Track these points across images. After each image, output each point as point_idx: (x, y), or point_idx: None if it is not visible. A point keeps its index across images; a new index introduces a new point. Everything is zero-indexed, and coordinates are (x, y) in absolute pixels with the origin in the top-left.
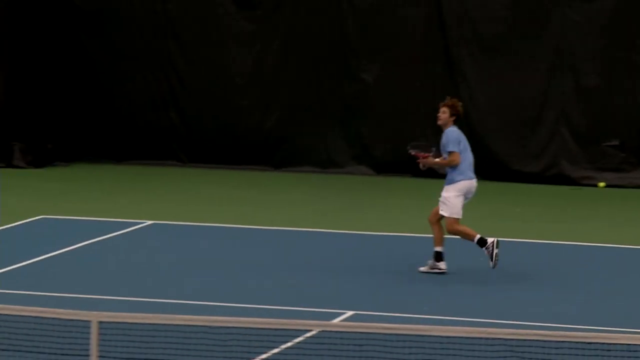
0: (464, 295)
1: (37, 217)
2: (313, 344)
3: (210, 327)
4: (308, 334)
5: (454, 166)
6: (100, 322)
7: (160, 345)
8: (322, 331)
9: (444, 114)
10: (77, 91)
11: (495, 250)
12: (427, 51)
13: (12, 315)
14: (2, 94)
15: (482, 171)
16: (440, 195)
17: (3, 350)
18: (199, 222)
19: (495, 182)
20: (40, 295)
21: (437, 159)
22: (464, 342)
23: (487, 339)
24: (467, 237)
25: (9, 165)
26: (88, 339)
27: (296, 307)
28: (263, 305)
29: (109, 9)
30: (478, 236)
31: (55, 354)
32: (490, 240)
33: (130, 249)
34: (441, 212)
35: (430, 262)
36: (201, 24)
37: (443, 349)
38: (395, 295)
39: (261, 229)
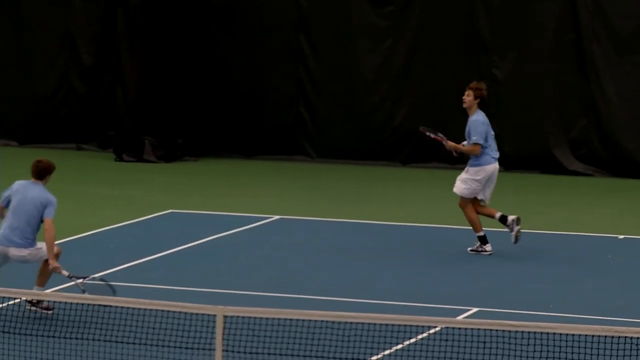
0: (590, 293)
1: (166, 211)
2: (437, 340)
3: (334, 322)
4: (432, 331)
5: (475, 155)
6: (226, 316)
7: (284, 340)
8: (446, 327)
9: (468, 96)
10: (207, 86)
11: (517, 227)
12: (559, 47)
13: (139, 309)
14: (135, 89)
15: (613, 168)
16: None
17: (129, 343)
18: (326, 218)
19: (626, 179)
20: (167, 288)
21: (460, 145)
22: (589, 340)
23: (612, 337)
24: (472, 224)
25: (140, 159)
26: (213, 332)
27: (421, 303)
28: (388, 301)
29: (242, 5)
30: (499, 214)
31: (180, 347)
32: (510, 218)
33: (256, 244)
34: (454, 190)
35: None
36: (333, 20)
37: (568, 347)
38: (521, 292)
39: (387, 224)
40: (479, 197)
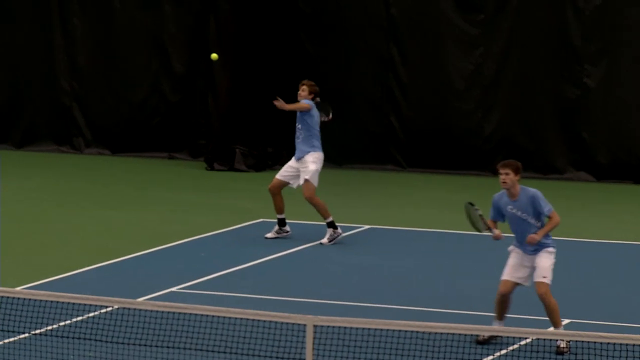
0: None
1: (256, 220)
2: (527, 352)
3: (424, 332)
4: (522, 342)
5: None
6: (316, 326)
7: (374, 350)
8: (537, 339)
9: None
10: (296, 95)
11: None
12: None
13: (229, 318)
14: (226, 97)
15: None
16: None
17: (220, 352)
18: (416, 227)
19: None
20: (257, 297)
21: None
22: None
23: None
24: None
25: (231, 168)
26: (303, 342)
27: (512, 314)
28: (478, 312)
29: (331, 12)
30: None
31: (270, 357)
32: None
33: (346, 253)
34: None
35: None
36: (423, 28)
37: None
38: (614, 304)
39: (476, 234)
40: None
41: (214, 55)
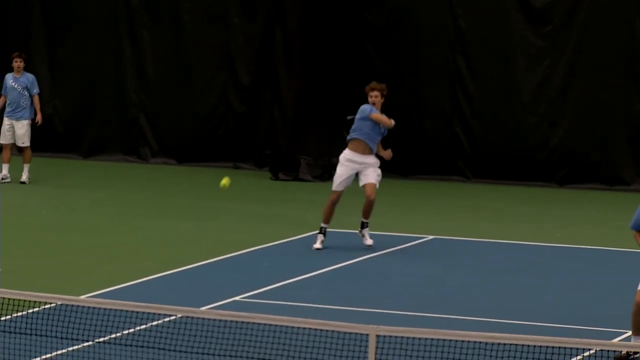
0: None
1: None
2: None
3: (487, 343)
4: (586, 353)
5: None
6: (378, 336)
7: None
8: (601, 350)
9: None
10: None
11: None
12: None
13: (292, 327)
14: (292, 108)
15: None
16: None
17: None
18: (481, 238)
19: None
20: (320, 307)
21: None
22: None
23: None
24: None
25: (296, 178)
26: (366, 352)
27: (575, 325)
28: (542, 322)
29: (399, 24)
30: None
31: None
32: None
33: (411, 263)
34: None
35: None
36: (491, 39)
37: None
38: None
39: (543, 245)
40: None
41: (225, 182)
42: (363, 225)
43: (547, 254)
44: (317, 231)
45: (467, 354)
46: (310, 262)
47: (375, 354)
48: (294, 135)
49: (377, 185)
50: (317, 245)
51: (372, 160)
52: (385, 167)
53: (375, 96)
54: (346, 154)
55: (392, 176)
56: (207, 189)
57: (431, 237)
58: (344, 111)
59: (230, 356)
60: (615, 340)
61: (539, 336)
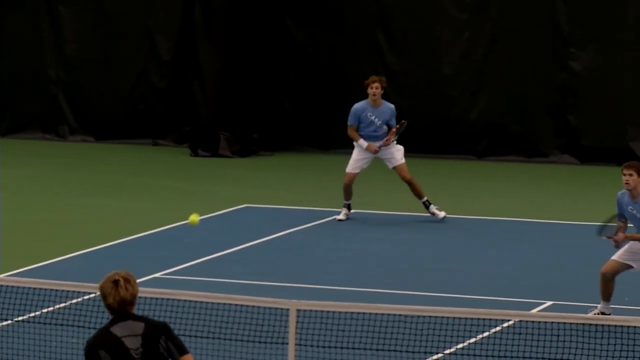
0: None
1: (240, 206)
2: (511, 334)
3: (407, 316)
4: (506, 324)
5: None
6: (299, 310)
7: (357, 334)
8: (520, 321)
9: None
10: (282, 80)
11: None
12: (639, 37)
13: (213, 303)
14: (212, 84)
15: None
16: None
17: (202, 337)
18: (402, 212)
19: None
20: (242, 283)
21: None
22: None
23: None
24: None
25: (215, 154)
26: (286, 327)
27: (494, 297)
28: (462, 295)
29: None
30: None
31: (253, 341)
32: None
33: (330, 238)
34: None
35: None
36: (411, 13)
37: None
38: (596, 286)
39: (462, 217)
40: None
41: (193, 219)
42: (426, 205)
43: (466, 226)
44: (237, 206)
45: (386, 327)
46: (231, 238)
47: (296, 328)
48: (213, 111)
49: (403, 161)
50: (340, 216)
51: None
52: (306, 142)
53: (375, 87)
54: (362, 142)
55: (313, 151)
56: (127, 166)
57: (352, 210)
58: (264, 87)
59: None
60: (534, 310)
61: (458, 308)
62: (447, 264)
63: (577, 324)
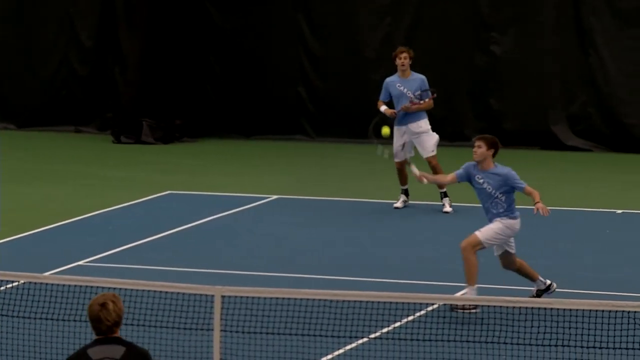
0: (588, 268)
1: (164, 193)
2: (435, 317)
3: (332, 300)
4: (430, 308)
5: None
6: (224, 297)
7: (282, 319)
8: (444, 304)
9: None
10: (205, 67)
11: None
12: (559, 22)
13: (137, 290)
14: (133, 70)
15: (612, 143)
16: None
17: (129, 325)
18: (326, 197)
19: (625, 154)
20: (167, 269)
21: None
22: (587, 315)
23: (610, 311)
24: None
25: (138, 141)
26: (211, 313)
27: (419, 280)
28: (386, 279)
29: None
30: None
31: (178, 328)
32: None
33: (256, 224)
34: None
35: None
36: None
37: (566, 322)
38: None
39: (387, 202)
40: None
41: (385, 131)
42: (441, 195)
43: (389, 210)
44: (160, 193)
45: (311, 312)
46: (155, 225)
47: (221, 314)
48: (136, 97)
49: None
50: (397, 204)
51: (419, 127)
52: (229, 128)
53: (404, 57)
54: (382, 107)
55: (235, 137)
56: (49, 154)
57: (276, 196)
58: (186, 73)
59: (75, 320)
60: (459, 294)
61: (382, 292)
62: (373, 248)
63: (500, 306)
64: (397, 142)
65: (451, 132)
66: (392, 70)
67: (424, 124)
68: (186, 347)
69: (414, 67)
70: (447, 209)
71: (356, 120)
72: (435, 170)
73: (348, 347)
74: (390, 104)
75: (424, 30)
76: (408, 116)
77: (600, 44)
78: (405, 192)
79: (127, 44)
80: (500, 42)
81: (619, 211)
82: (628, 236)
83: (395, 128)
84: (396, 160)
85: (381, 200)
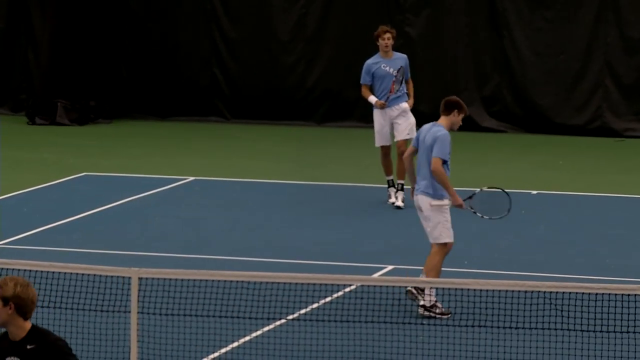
0: (503, 249)
1: (79, 174)
2: (353, 298)
3: (249, 282)
4: (347, 289)
5: None
6: (141, 278)
7: (200, 301)
8: (362, 286)
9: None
10: (119, 48)
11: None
12: (471, 3)
13: (53, 272)
14: (46, 52)
15: (526, 124)
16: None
17: (44, 307)
18: (241, 178)
19: (539, 135)
20: (82, 252)
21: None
22: (503, 296)
23: (526, 292)
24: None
25: (53, 122)
26: (128, 295)
27: (337, 262)
28: (304, 260)
29: None
30: None
31: (95, 310)
32: None
33: (172, 206)
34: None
35: None
36: None
37: (482, 302)
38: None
39: (303, 183)
40: None
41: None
42: (396, 188)
43: (306, 192)
44: (76, 175)
45: (229, 294)
46: (71, 207)
47: (138, 296)
48: (49, 78)
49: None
50: (392, 199)
51: (399, 109)
52: (144, 110)
53: (387, 38)
54: (372, 98)
55: (150, 118)
56: None
57: (192, 178)
58: (100, 53)
59: None
60: (376, 275)
61: (299, 274)
62: (290, 230)
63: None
64: (382, 126)
65: (366, 115)
66: (304, 53)
67: (405, 105)
68: (103, 330)
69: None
70: (400, 203)
71: (270, 102)
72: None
73: (266, 328)
74: (371, 88)
75: (338, 12)
76: (392, 99)
77: (513, 24)
78: (393, 184)
79: (39, 25)
80: (413, 23)
81: (534, 192)
82: (543, 216)
83: (379, 112)
84: (381, 144)
85: (293, 182)
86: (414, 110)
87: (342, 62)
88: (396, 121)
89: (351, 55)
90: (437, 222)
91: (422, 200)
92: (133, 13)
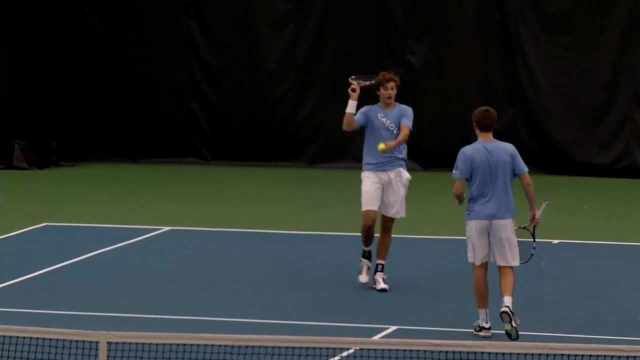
0: (520, 306)
1: (40, 225)
2: None
3: (233, 346)
4: (345, 353)
5: None
6: (109, 343)
7: None
8: (361, 349)
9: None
10: (85, 83)
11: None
12: (481, 28)
13: (10, 337)
14: (4, 89)
15: (544, 163)
16: None
17: None
18: (223, 228)
19: (559, 176)
20: (43, 313)
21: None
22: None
23: (547, 355)
24: None
25: (10, 166)
26: None
27: (332, 322)
28: (295, 320)
29: None
30: None
31: None
32: None
33: (144, 259)
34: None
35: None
36: (228, 3)
37: None
38: (441, 308)
39: (293, 233)
40: None
41: (382, 146)
42: (377, 269)
43: (297, 242)
44: (36, 225)
45: (210, 359)
46: (31, 261)
47: None
48: (6, 117)
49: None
50: (362, 277)
51: (393, 174)
52: (112, 151)
53: (391, 88)
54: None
55: (120, 160)
56: None
57: (167, 228)
58: (63, 89)
59: None
60: (377, 337)
61: (290, 336)
62: (278, 286)
63: (423, 350)
64: (370, 185)
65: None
66: (294, 84)
67: (405, 173)
68: None
69: (323, 81)
70: (383, 285)
71: (255, 140)
72: (384, 236)
73: None
74: (363, 131)
75: (332, 39)
76: (388, 158)
77: (528, 51)
78: (369, 255)
79: None
80: (416, 51)
81: (556, 241)
82: (565, 268)
83: (372, 173)
84: (367, 208)
85: (283, 231)
86: (417, 148)
87: (336, 95)
88: (389, 190)
89: (346, 87)
90: (515, 242)
91: (510, 224)
92: (100, 39)
